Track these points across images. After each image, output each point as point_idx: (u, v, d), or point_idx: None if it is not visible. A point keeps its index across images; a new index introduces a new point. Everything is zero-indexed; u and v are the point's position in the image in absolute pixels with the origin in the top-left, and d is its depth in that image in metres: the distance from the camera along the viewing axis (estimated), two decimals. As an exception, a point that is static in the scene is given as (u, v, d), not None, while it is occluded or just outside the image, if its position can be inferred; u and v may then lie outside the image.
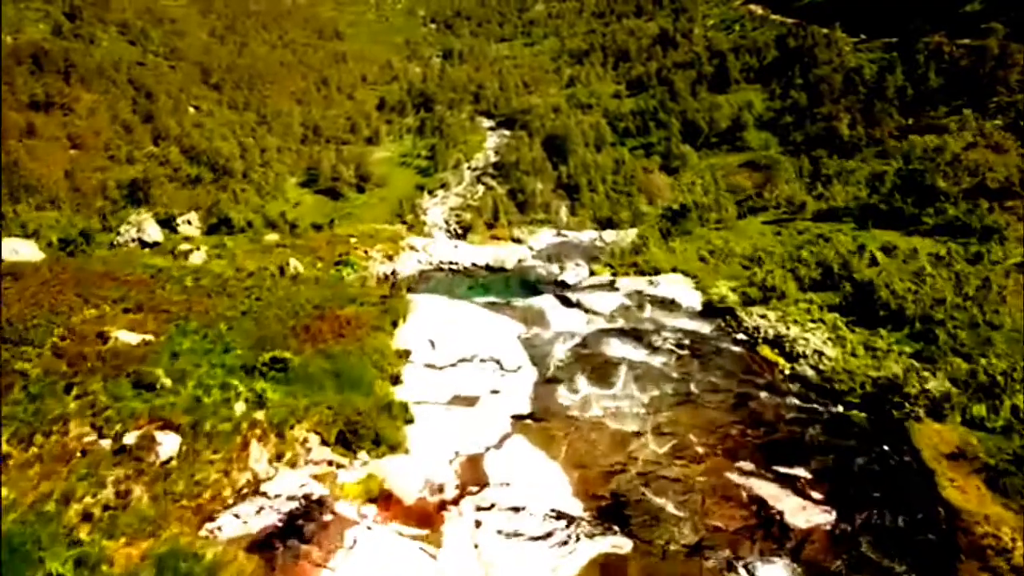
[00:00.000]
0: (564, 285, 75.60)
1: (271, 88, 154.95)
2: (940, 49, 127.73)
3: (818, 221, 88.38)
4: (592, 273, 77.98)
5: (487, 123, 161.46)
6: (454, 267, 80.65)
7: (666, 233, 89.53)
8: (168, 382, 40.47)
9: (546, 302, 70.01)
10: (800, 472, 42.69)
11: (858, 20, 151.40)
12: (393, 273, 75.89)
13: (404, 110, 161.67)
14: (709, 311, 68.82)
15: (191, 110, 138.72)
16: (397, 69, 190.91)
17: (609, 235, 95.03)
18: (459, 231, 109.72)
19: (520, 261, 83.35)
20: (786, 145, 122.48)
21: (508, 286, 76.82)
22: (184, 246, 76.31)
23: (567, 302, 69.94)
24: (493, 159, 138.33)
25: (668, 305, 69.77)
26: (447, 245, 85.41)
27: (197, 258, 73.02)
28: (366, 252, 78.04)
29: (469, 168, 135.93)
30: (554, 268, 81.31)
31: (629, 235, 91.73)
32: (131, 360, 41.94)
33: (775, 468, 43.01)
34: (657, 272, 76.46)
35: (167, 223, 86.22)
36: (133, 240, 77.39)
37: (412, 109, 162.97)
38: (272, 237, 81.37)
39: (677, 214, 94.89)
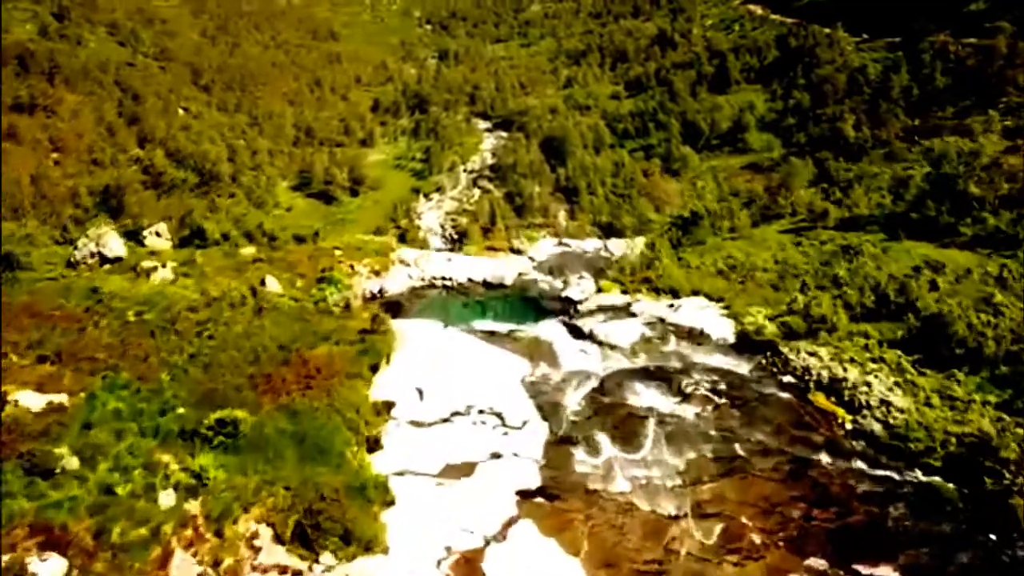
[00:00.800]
0: (569, 302, 66.49)
1: (263, 89, 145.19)
2: (946, 48, 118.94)
3: (840, 230, 78.95)
4: (600, 290, 67.27)
5: (483, 125, 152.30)
6: (448, 283, 70.18)
7: (677, 243, 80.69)
8: (74, 463, 29.87)
9: (554, 332, 59.65)
10: (887, 572, 32.09)
11: (859, 20, 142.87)
12: (381, 292, 65.81)
13: (399, 112, 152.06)
14: (745, 345, 57.27)
15: (180, 112, 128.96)
16: (392, 70, 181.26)
17: (615, 244, 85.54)
18: (455, 235, 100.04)
19: (520, 275, 72.07)
20: (789, 147, 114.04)
21: (508, 305, 66.93)
22: (148, 263, 65.54)
23: (578, 332, 59.49)
24: (490, 161, 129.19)
25: (696, 337, 58.62)
26: (440, 258, 74.89)
27: (162, 276, 63.01)
28: (352, 267, 68.37)
29: (465, 171, 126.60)
30: (557, 283, 70.88)
31: (636, 245, 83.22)
32: (28, 435, 31.25)
33: (855, 567, 32.47)
34: (675, 293, 66.38)
35: (135, 235, 75.16)
36: (93, 255, 65.69)
37: (407, 111, 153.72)
38: (248, 251, 70.91)
39: (688, 222, 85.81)
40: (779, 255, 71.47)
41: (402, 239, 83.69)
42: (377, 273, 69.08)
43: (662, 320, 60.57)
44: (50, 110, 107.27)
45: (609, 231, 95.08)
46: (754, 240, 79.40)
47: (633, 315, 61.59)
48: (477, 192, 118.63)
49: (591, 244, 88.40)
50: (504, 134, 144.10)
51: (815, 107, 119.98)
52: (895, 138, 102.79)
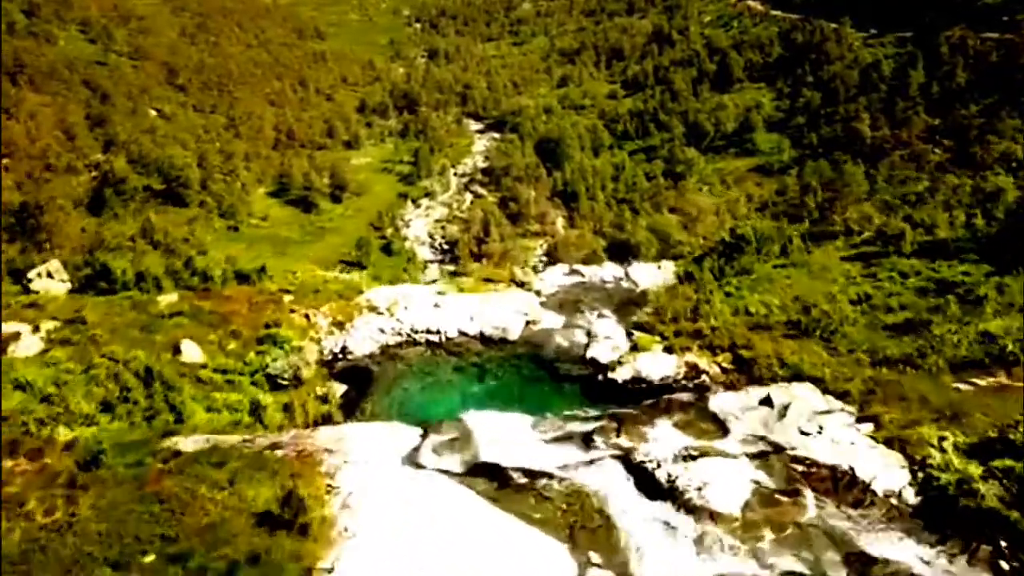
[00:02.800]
0: (598, 367, 45.83)
1: (243, 89, 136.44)
2: (964, 43, 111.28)
3: (921, 257, 58.90)
4: (635, 345, 47.15)
5: (475, 126, 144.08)
6: (434, 338, 50.93)
7: (719, 272, 63.02)
8: None
9: (606, 478, 32.72)
10: None
11: (864, 15, 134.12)
12: (343, 352, 48.16)
13: (386, 112, 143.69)
14: (942, 512, 30.30)
15: (152, 113, 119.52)
16: (379, 69, 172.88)
17: (639, 272, 70.64)
18: (444, 245, 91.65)
19: (528, 323, 53.14)
20: (800, 148, 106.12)
21: (514, 371, 48.29)
22: (10, 326, 41.98)
23: (649, 482, 32.53)
24: (482, 164, 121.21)
25: (846, 489, 31.83)
26: (423, 299, 55.50)
27: (25, 348, 40.52)
28: (307, 317, 51.29)
29: (456, 174, 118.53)
30: (578, 335, 51.26)
31: (665, 272, 69.55)
32: None
33: None
34: (751, 372, 42.24)
35: (20, 275, 52.17)
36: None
37: (395, 111, 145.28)
38: (168, 300, 49.83)
39: (731, 246, 67.50)
40: (852, 291, 53.12)
41: (373, 282, 66.76)
42: (340, 325, 51.15)
43: (776, 448, 34.59)
44: (7, 111, 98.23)
45: (623, 250, 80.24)
46: (812, 268, 60.74)
47: (723, 430, 36.32)
48: (469, 197, 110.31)
49: (609, 271, 72.51)
50: (497, 135, 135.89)
51: (826, 106, 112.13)
52: (916, 139, 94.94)
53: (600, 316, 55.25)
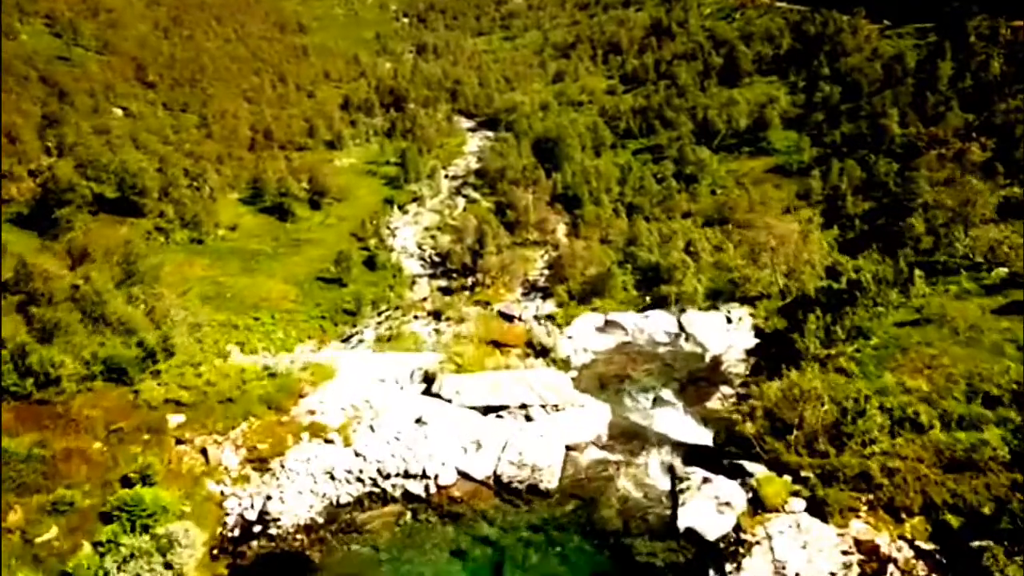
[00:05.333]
0: (701, 545, 28.84)
1: (217, 86, 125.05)
2: (995, 32, 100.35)
3: None
4: (754, 494, 30.06)
5: (466, 124, 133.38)
6: (416, 487, 33.37)
7: (824, 335, 45.13)
8: None
9: None
10: None
11: (877, 5, 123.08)
12: (263, 524, 30.15)
13: (372, 110, 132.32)
14: None
15: (117, 112, 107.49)
16: (365, 64, 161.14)
17: (703, 328, 52.45)
18: (435, 258, 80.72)
19: (572, 451, 35.74)
20: (821, 146, 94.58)
21: (557, 559, 28.81)
22: None
23: None
24: (475, 166, 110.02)
25: None
26: (402, 408, 40.00)
27: None
28: (205, 454, 33.03)
29: (447, 177, 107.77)
30: (655, 474, 33.72)
31: (741, 330, 52.87)
32: None
33: None
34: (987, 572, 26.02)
35: None
36: None
37: (381, 109, 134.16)
38: None
39: (839, 296, 48.68)
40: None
41: (312, 385, 46.41)
42: (262, 464, 32.59)
43: None
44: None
45: (655, 278, 62.12)
46: (952, 324, 43.22)
47: None
48: (461, 202, 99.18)
49: (657, 323, 54.60)
50: (490, 134, 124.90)
51: (846, 101, 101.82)
52: (953, 136, 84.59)
53: (661, 403, 39.36)
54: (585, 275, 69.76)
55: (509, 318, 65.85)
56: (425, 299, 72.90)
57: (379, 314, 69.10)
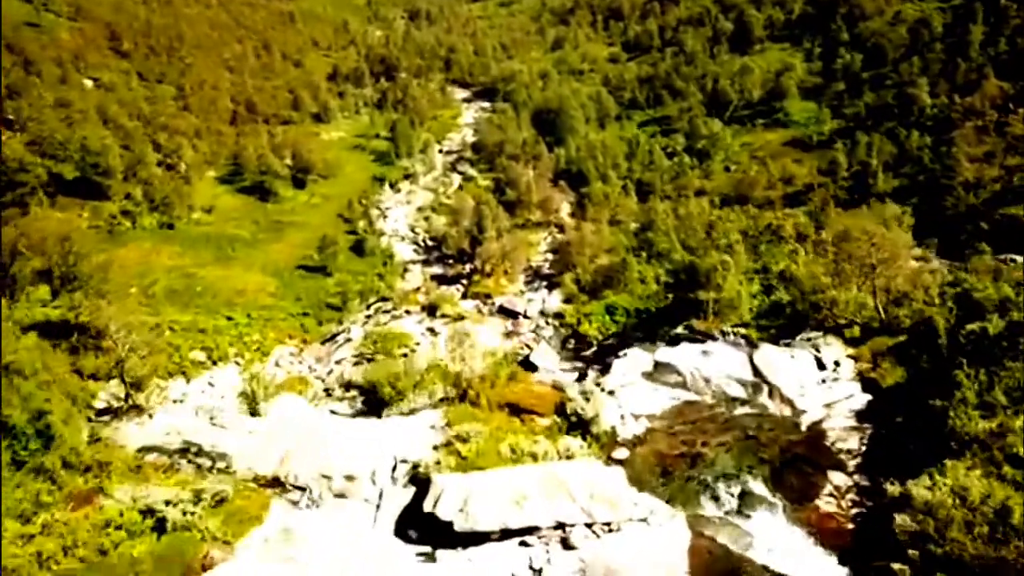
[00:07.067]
0: None
1: (197, 54, 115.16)
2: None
3: None
4: None
5: (461, 94, 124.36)
6: None
7: (980, 396, 31.52)
8: None
9: None
10: None
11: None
12: None
13: (361, 80, 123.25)
14: None
15: (86, 82, 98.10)
16: (354, 32, 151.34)
17: (785, 373, 40.13)
18: (428, 242, 73.11)
19: None
20: (842, 118, 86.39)
21: None
22: None
23: None
24: (471, 139, 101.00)
25: None
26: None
27: None
28: None
29: (441, 151, 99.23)
30: None
31: (843, 380, 39.43)
32: None
33: None
34: None
35: None
36: None
37: (371, 79, 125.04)
38: None
39: (982, 338, 34.88)
40: None
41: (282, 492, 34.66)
42: None
43: None
44: None
45: (690, 280, 49.11)
46: None
47: None
48: (457, 180, 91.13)
49: (724, 363, 41.73)
50: (487, 105, 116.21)
51: (868, 69, 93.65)
52: (990, 107, 76.73)
53: (751, 502, 28.05)
54: (596, 263, 62.23)
55: (513, 314, 58.53)
56: (418, 289, 65.37)
57: (368, 307, 61.63)
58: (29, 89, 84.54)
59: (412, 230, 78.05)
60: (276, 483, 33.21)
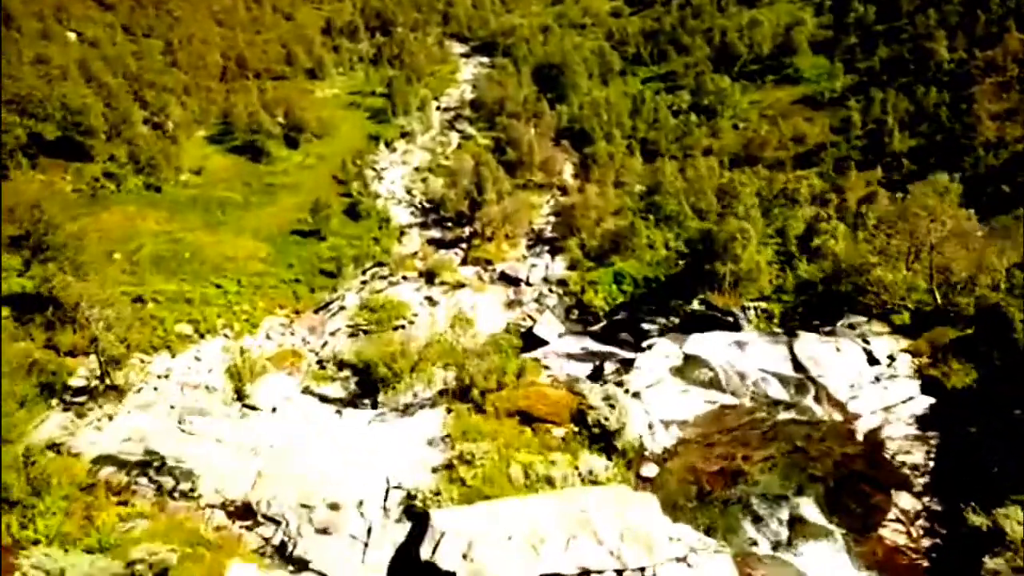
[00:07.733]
0: None
1: (184, 7, 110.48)
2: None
3: None
4: None
5: (459, 49, 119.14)
6: None
7: None
8: None
9: None
10: None
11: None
12: None
13: (356, 34, 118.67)
14: None
15: (70, 36, 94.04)
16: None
17: (835, 370, 34.94)
18: (426, 204, 70.08)
19: None
20: (855, 73, 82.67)
21: None
22: None
23: None
24: (469, 96, 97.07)
25: None
26: None
27: None
28: None
29: (439, 108, 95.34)
30: None
31: (900, 384, 34.01)
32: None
33: None
34: None
35: None
36: None
37: (366, 33, 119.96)
38: None
39: None
40: None
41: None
42: None
43: None
44: None
45: (708, 252, 45.56)
46: None
47: None
48: (455, 138, 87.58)
49: (762, 357, 36.54)
50: (486, 60, 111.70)
51: (882, 21, 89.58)
52: (1012, 61, 73.05)
53: (802, 531, 24.74)
54: (601, 227, 59.31)
55: (515, 281, 55.88)
56: (416, 254, 62.64)
57: (363, 272, 58.96)
58: (8, 44, 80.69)
59: (409, 192, 74.87)
60: (247, 512, 28.26)
